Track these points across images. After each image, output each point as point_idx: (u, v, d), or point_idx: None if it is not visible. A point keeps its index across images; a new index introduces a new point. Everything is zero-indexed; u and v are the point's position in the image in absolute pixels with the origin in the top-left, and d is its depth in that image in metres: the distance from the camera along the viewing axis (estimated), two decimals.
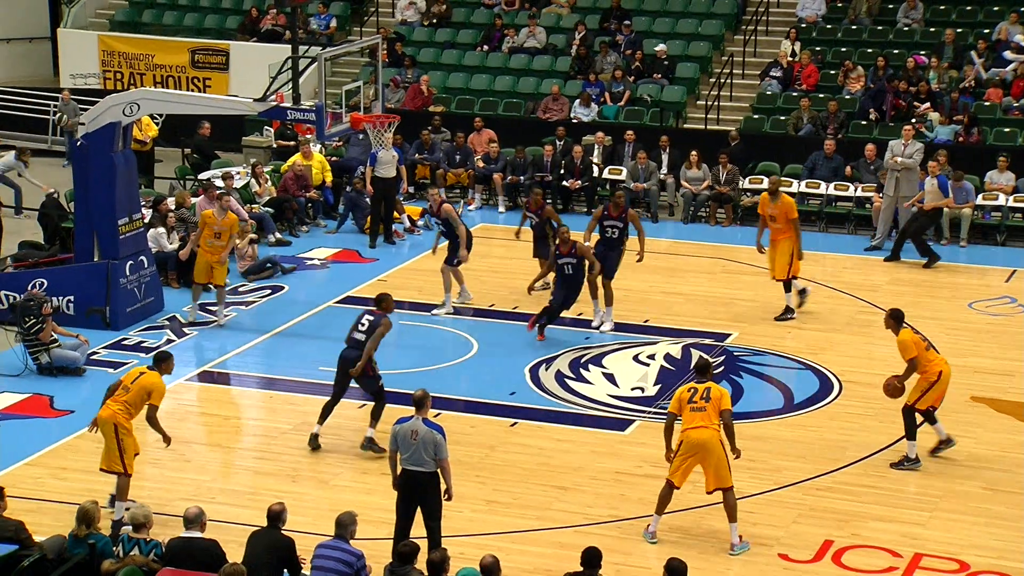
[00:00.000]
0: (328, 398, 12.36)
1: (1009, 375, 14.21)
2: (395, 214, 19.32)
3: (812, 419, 13.11)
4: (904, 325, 12.12)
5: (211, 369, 14.30)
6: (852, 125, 21.23)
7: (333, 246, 18.69)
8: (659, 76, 22.92)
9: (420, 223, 19.45)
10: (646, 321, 15.49)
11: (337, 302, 16.49)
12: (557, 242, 15.09)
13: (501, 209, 20.64)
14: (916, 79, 21.43)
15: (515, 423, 12.94)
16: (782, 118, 21.72)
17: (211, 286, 15.33)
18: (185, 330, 15.34)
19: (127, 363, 14.31)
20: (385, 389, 12.22)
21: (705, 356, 12.54)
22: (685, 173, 20.34)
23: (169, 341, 14.98)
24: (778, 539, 10.70)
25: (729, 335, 15.28)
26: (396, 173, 18.77)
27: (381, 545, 10.17)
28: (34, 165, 22.11)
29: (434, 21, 25.22)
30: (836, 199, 20.00)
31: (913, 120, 20.92)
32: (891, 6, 23.58)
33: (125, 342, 14.89)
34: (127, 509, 9.33)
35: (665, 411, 13.14)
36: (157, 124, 21.47)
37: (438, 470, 9.91)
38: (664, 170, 20.63)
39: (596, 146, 21.10)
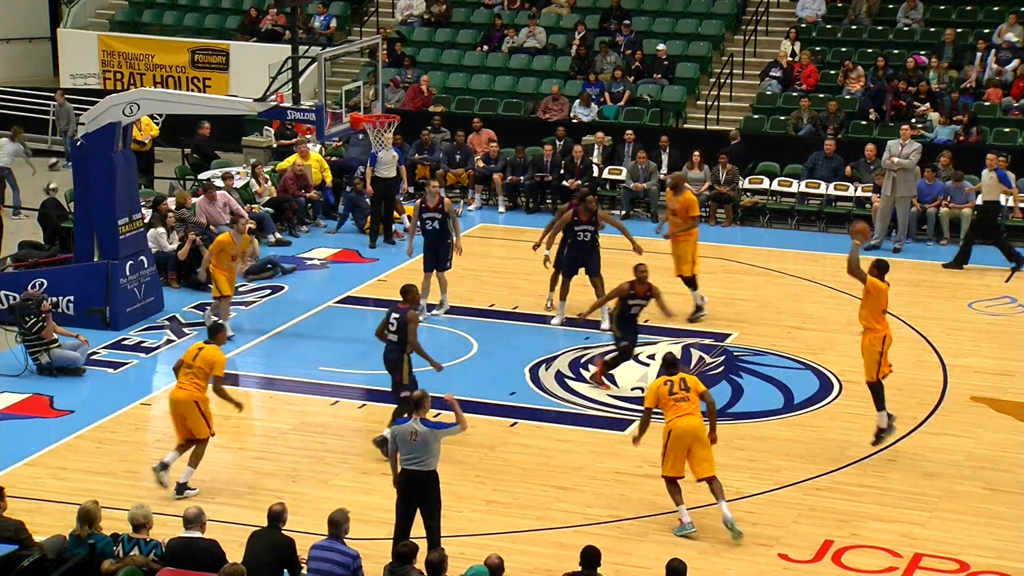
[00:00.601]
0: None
1: (1009, 375, 14.21)
2: (395, 214, 19.33)
3: (812, 419, 13.11)
4: (884, 280, 12.15)
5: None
6: (852, 125, 21.23)
7: (333, 246, 18.70)
8: (659, 76, 22.92)
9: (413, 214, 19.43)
10: (646, 321, 15.46)
11: (337, 302, 16.49)
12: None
13: (501, 209, 20.64)
14: (916, 79, 21.43)
15: (515, 423, 12.94)
16: (782, 118, 21.72)
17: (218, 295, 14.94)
18: (185, 330, 15.34)
19: (127, 363, 14.36)
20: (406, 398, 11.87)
21: (671, 352, 12.81)
22: (686, 174, 20.32)
23: (169, 341, 14.98)
24: (778, 539, 10.71)
25: (729, 335, 15.28)
26: (396, 173, 18.77)
27: (381, 545, 10.17)
28: (32, 165, 22.13)
29: (431, 20, 25.20)
30: (836, 199, 20.00)
31: (913, 120, 20.94)
32: (891, 6, 23.58)
33: (125, 342, 14.89)
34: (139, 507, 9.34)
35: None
36: (157, 124, 21.47)
37: (437, 470, 9.92)
38: (664, 170, 20.62)
39: (596, 146, 21.10)
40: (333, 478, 11.79)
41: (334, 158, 20.92)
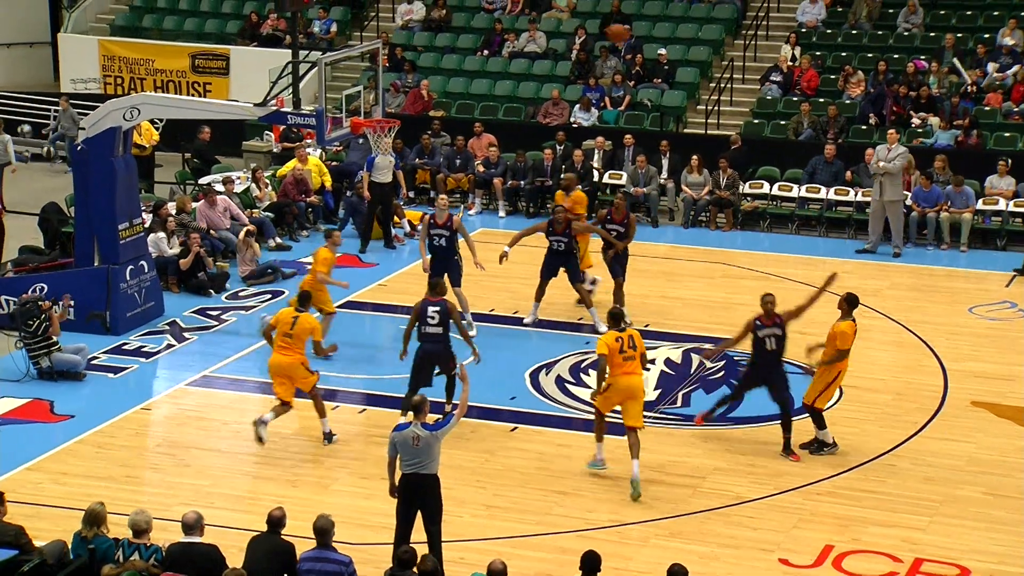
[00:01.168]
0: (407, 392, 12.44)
1: (1009, 380, 14.20)
2: (395, 219, 19.32)
3: (813, 424, 13.08)
4: (851, 318, 12.25)
5: (211, 374, 14.28)
6: (852, 130, 21.23)
7: (339, 250, 18.62)
8: (659, 80, 22.93)
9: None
10: (646, 326, 15.47)
11: (337, 307, 16.42)
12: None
13: (501, 214, 20.64)
14: (916, 84, 21.44)
15: (515, 428, 12.93)
16: (782, 123, 21.73)
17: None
18: (185, 335, 15.34)
19: (127, 368, 14.35)
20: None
21: (618, 306, 13.05)
22: (686, 178, 20.34)
23: (169, 345, 14.97)
24: (779, 544, 10.70)
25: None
26: (393, 178, 18.75)
27: (381, 550, 10.16)
28: (33, 171, 22.18)
29: (432, 24, 25.23)
30: (836, 204, 20.01)
31: (913, 123, 20.94)
32: (891, 11, 23.59)
33: (125, 347, 14.88)
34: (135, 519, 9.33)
35: (658, 412, 13.25)
36: (158, 129, 21.48)
37: (437, 473, 9.91)
38: (664, 175, 20.63)
39: (596, 151, 21.11)
40: (333, 483, 11.78)
41: (334, 163, 20.93)
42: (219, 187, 18.78)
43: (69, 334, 14.45)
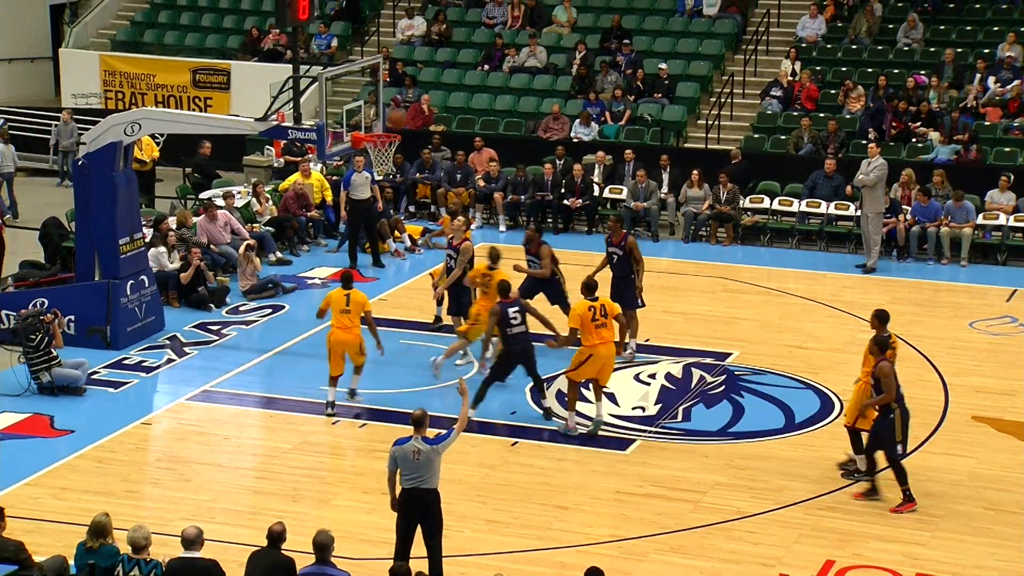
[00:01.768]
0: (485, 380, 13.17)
1: (1010, 395, 14.19)
2: (396, 234, 19.32)
3: (813, 438, 13.07)
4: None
5: (212, 388, 14.27)
6: (852, 144, 21.27)
7: (333, 265, 18.68)
8: (659, 95, 22.97)
9: (420, 242, 19.46)
10: (647, 340, 15.47)
11: None
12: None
13: (501, 228, 20.65)
14: (916, 99, 21.49)
15: (516, 442, 12.91)
16: (783, 137, 21.76)
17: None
18: (185, 349, 15.33)
19: (128, 383, 14.33)
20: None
21: (591, 277, 13.12)
22: (686, 192, 20.36)
23: (169, 360, 14.97)
24: (779, 559, 10.67)
25: (730, 354, 15.27)
26: (371, 194, 18.71)
27: (382, 565, 10.13)
28: (34, 185, 22.22)
29: (433, 40, 25.29)
30: (837, 218, 20.03)
31: (914, 139, 20.99)
32: (891, 26, 23.65)
33: (125, 361, 14.87)
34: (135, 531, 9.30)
35: (658, 424, 13.24)
36: (158, 144, 21.51)
37: (438, 488, 9.89)
38: (664, 189, 20.65)
39: (597, 165, 21.13)
40: (334, 497, 11.76)
41: (334, 177, 20.95)
42: (220, 201, 18.80)
43: (69, 349, 14.44)
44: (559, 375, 14.47)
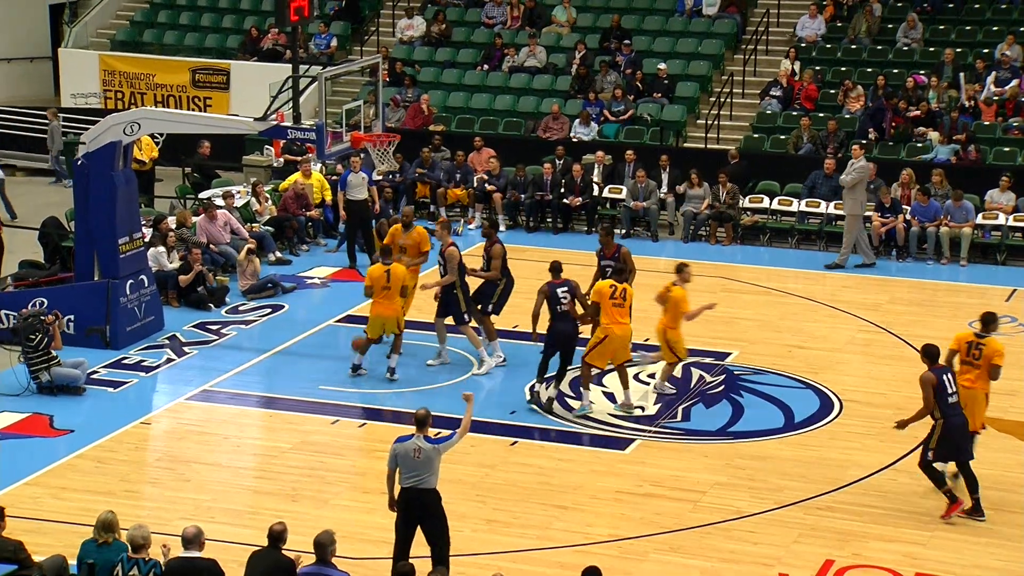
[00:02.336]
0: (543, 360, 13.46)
1: (1010, 395, 14.14)
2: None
3: (813, 438, 13.07)
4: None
5: (211, 388, 14.27)
6: (852, 144, 21.25)
7: (333, 265, 18.68)
8: (659, 96, 22.96)
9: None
10: (646, 340, 15.47)
11: (337, 321, 16.49)
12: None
13: (501, 228, 20.64)
14: (916, 99, 21.49)
15: (515, 442, 12.91)
16: (782, 137, 21.76)
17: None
18: (185, 349, 15.33)
19: (127, 382, 14.33)
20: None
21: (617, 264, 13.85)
22: (686, 192, 20.36)
23: (169, 360, 14.96)
24: (779, 559, 10.67)
25: (729, 354, 15.27)
26: (367, 195, 18.68)
27: (382, 565, 10.14)
28: (33, 185, 22.22)
29: (432, 39, 25.29)
30: (836, 218, 20.02)
31: (914, 139, 21.00)
32: (890, 26, 23.66)
33: (125, 361, 14.86)
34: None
35: (658, 424, 13.25)
36: (157, 144, 21.52)
37: (437, 488, 9.86)
38: (664, 189, 20.65)
39: (596, 165, 21.13)
40: (333, 497, 11.76)
41: (333, 177, 20.95)
42: (219, 201, 18.80)
43: (69, 349, 14.43)
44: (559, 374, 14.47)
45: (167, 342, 15.46)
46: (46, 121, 24.45)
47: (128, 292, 15.35)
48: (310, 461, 12.50)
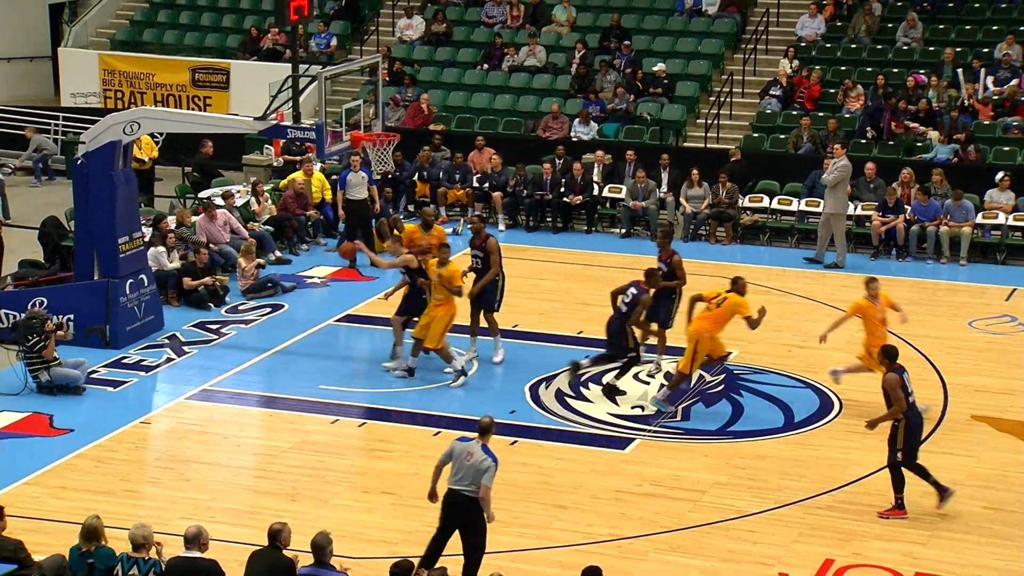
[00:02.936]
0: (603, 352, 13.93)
1: (1010, 394, 14.20)
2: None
3: (813, 438, 13.09)
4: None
5: (211, 387, 14.27)
6: (852, 144, 21.27)
7: (333, 264, 18.68)
8: (659, 91, 22.92)
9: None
10: (647, 338, 15.45)
11: (337, 320, 16.48)
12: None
13: (501, 227, 20.64)
14: (916, 98, 21.49)
15: (515, 441, 12.91)
16: (782, 136, 21.77)
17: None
18: (185, 348, 15.33)
19: (127, 382, 14.33)
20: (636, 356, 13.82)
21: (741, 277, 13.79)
22: (685, 192, 20.37)
23: (168, 359, 14.96)
24: (779, 558, 10.68)
25: (729, 353, 15.26)
26: (368, 194, 18.64)
27: (381, 564, 10.14)
28: (33, 185, 22.22)
29: (432, 39, 25.30)
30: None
31: (914, 138, 21.01)
32: (890, 25, 23.66)
33: (125, 360, 14.85)
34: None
35: (657, 424, 13.24)
36: (157, 143, 21.52)
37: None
38: (664, 188, 20.65)
39: (596, 165, 21.14)
40: (333, 497, 11.76)
41: (333, 176, 20.96)
42: (219, 201, 18.80)
43: (69, 348, 14.42)
44: (560, 373, 14.47)
45: (167, 341, 15.46)
46: (46, 121, 24.48)
47: (128, 292, 15.36)
48: (310, 461, 12.50)
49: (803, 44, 23.64)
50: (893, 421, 11.29)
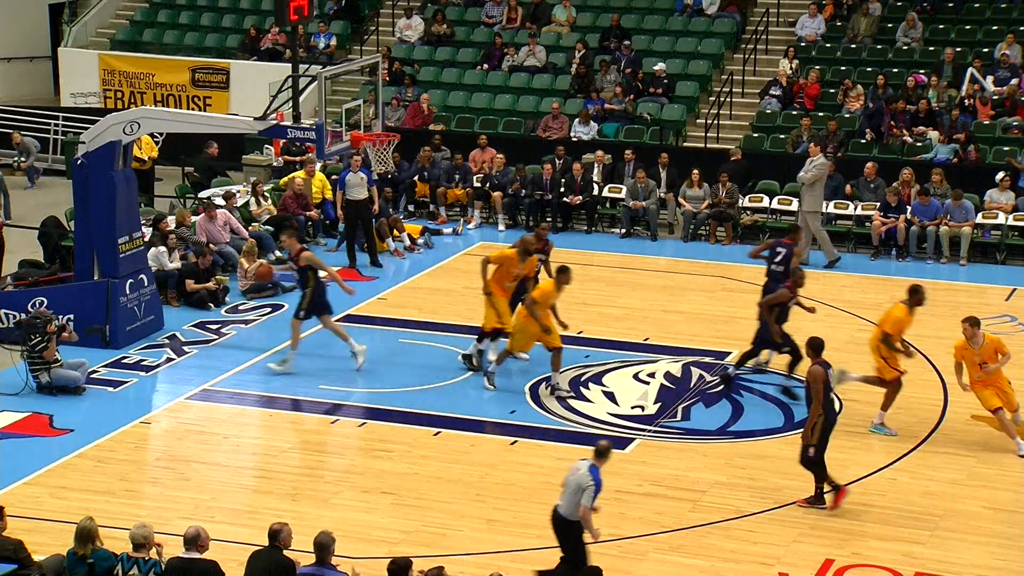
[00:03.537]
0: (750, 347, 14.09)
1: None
2: (395, 232, 19.32)
3: None
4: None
5: (211, 388, 14.29)
6: (852, 144, 21.28)
7: (333, 265, 18.63)
8: (658, 91, 22.92)
9: (420, 241, 19.47)
10: (646, 339, 15.49)
11: (337, 320, 16.44)
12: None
13: (501, 227, 20.66)
14: (916, 98, 21.50)
15: (515, 441, 12.93)
16: (782, 136, 21.78)
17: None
18: (185, 348, 15.35)
19: (127, 382, 14.35)
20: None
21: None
22: (685, 192, 20.39)
23: (168, 359, 14.98)
24: (779, 557, 10.70)
25: (729, 353, 15.28)
26: (368, 195, 18.68)
27: (381, 564, 10.13)
28: (37, 185, 22.23)
29: (432, 39, 25.31)
30: (836, 217, 20.04)
31: (905, 140, 21.02)
32: (890, 25, 23.68)
33: (125, 360, 14.87)
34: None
35: (657, 424, 13.25)
36: (157, 143, 21.54)
37: (568, 518, 9.68)
38: (663, 188, 20.67)
39: (596, 165, 21.15)
40: (333, 496, 11.78)
41: (334, 176, 20.97)
42: (219, 201, 18.80)
43: (70, 349, 14.44)
44: (560, 374, 14.47)
45: (167, 341, 15.48)
46: (46, 121, 24.49)
47: (128, 291, 15.37)
48: (310, 460, 12.55)
49: (803, 44, 23.65)
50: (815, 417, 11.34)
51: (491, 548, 10.80)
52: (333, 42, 25.33)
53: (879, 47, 23.36)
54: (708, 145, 22.31)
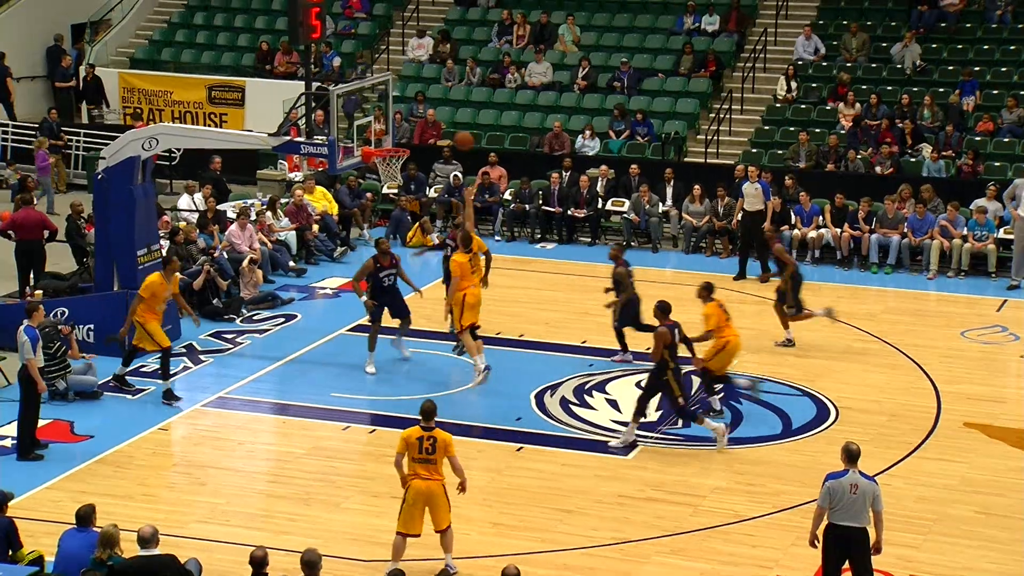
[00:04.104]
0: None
1: (1001, 402, 14.42)
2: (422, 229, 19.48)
3: (810, 444, 13.27)
4: (712, 299, 13.61)
5: (226, 395, 14.51)
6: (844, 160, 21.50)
7: (343, 276, 18.81)
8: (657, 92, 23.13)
9: (412, 253, 19.62)
10: (648, 348, 15.72)
11: (349, 330, 16.62)
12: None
13: (497, 239, 20.85)
14: (910, 115, 21.79)
15: (521, 448, 13.13)
16: (780, 152, 22.07)
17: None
18: (201, 357, 15.64)
19: (145, 389, 14.52)
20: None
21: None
22: (687, 206, 20.69)
23: (185, 368, 15.20)
24: (777, 561, 10.86)
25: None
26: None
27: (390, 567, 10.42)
28: (55, 197, 22.47)
29: (439, 59, 25.67)
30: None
31: (907, 153, 21.31)
32: (884, 44, 24.01)
33: (143, 369, 14.99)
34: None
35: (659, 430, 13.44)
36: (174, 159, 21.72)
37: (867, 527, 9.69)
38: (669, 202, 20.97)
39: (600, 179, 21.48)
40: (344, 501, 11.96)
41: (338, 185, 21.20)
42: (230, 213, 19.06)
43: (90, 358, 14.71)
44: (564, 381, 14.71)
45: (184, 351, 15.65)
46: (67, 137, 24.78)
47: None
48: (322, 466, 12.70)
49: (800, 63, 23.98)
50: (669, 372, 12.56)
51: (497, 551, 10.92)
52: (336, 61, 25.54)
53: (873, 66, 23.66)
54: (708, 160, 22.62)
